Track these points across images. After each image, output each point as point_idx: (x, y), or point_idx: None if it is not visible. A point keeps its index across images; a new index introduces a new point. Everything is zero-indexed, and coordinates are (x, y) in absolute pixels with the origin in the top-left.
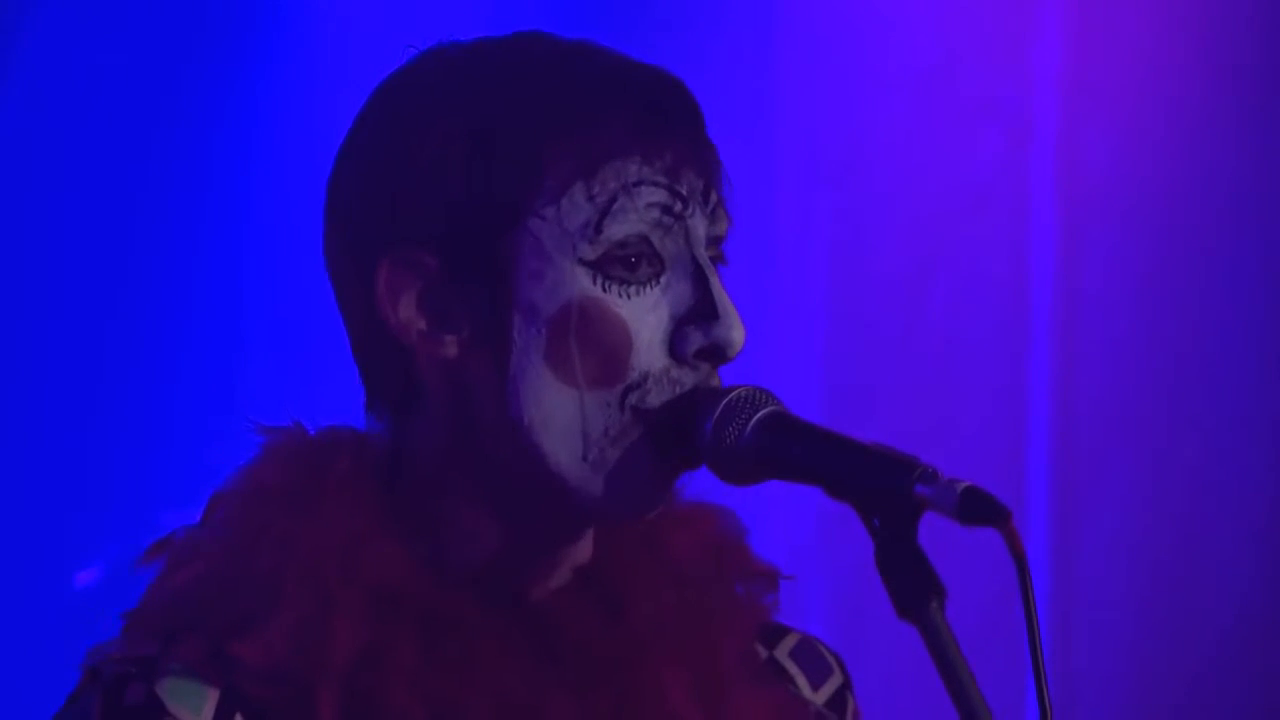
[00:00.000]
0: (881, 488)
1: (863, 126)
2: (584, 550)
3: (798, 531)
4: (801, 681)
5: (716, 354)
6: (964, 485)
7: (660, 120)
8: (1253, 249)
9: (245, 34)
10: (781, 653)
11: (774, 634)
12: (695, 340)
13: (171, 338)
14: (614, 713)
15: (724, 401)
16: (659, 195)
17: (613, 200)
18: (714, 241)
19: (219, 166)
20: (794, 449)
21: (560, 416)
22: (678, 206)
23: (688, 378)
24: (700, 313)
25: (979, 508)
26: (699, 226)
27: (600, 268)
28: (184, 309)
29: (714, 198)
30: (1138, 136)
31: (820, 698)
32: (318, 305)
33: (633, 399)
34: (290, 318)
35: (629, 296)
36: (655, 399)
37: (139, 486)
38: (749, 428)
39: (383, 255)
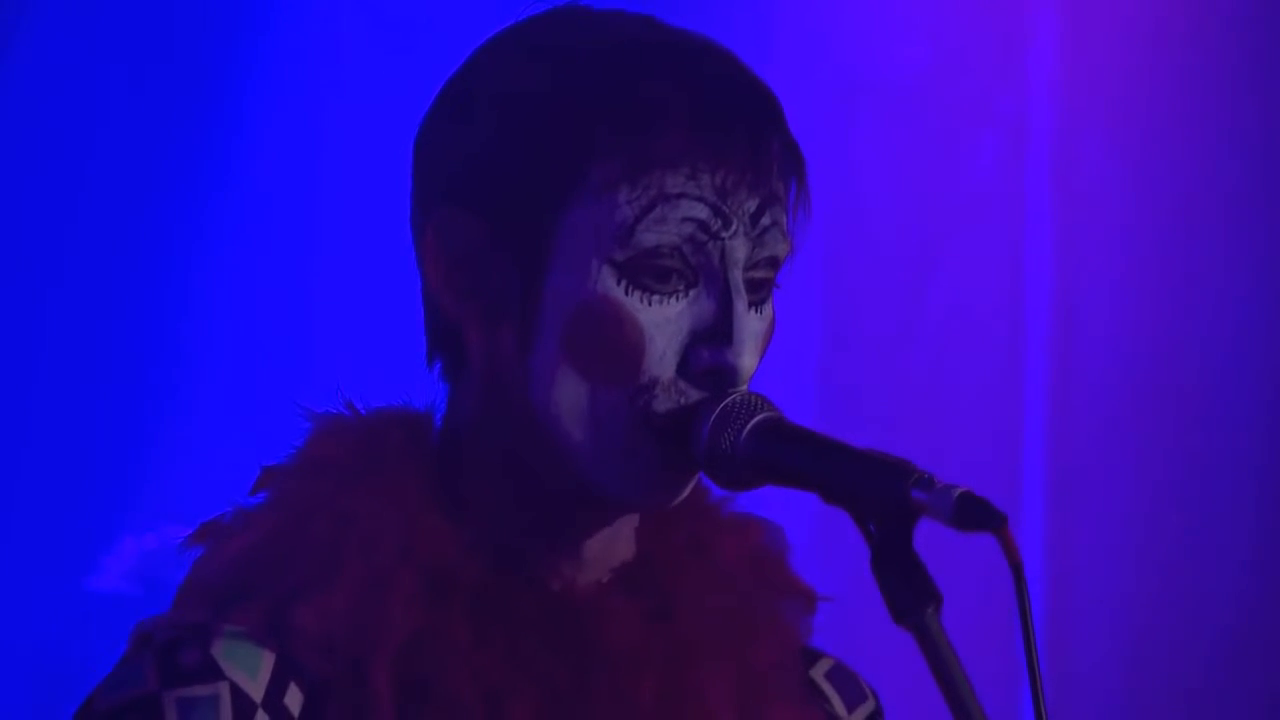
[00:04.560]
0: (877, 493)
1: (858, 131)
2: (623, 545)
3: (793, 537)
4: (836, 702)
5: (720, 378)
6: (960, 491)
7: (721, 136)
8: (1247, 252)
9: (243, 32)
10: (818, 673)
11: (810, 656)
12: (704, 360)
13: (172, 337)
14: (653, 710)
15: (720, 407)
16: (699, 211)
17: (650, 208)
18: (765, 264)
19: (218, 165)
20: (790, 455)
21: (573, 403)
22: (716, 225)
23: (693, 394)
24: (715, 333)
25: (975, 513)
26: (739, 248)
27: (628, 271)
28: (184, 309)
29: (766, 221)
30: (1133, 141)
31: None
32: (320, 304)
33: (640, 402)
34: (293, 316)
35: (650, 304)
36: (662, 405)
37: (135, 492)
38: (745, 433)
39: (434, 213)
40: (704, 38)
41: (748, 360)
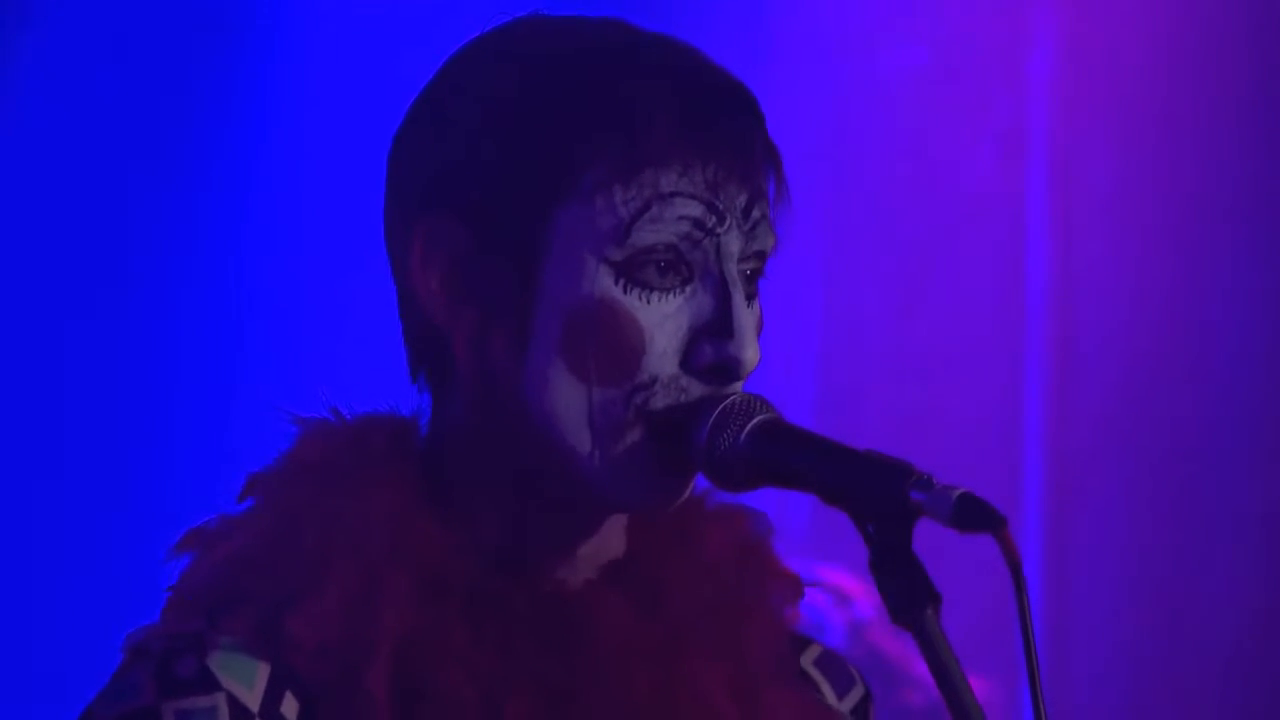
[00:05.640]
0: (876, 494)
1: (858, 135)
2: (614, 543)
3: (791, 538)
4: (826, 689)
5: (724, 371)
6: (959, 492)
7: (708, 132)
8: (1246, 256)
9: (245, 32)
10: (806, 660)
11: (798, 643)
12: (706, 354)
13: (161, 339)
14: (649, 703)
15: (719, 409)
16: (693, 209)
17: (645, 208)
18: (755, 257)
19: (208, 172)
20: (789, 456)
21: (569, 407)
22: (710, 221)
23: (695, 389)
24: (715, 328)
25: (974, 514)
26: (732, 242)
27: (625, 270)
28: (183, 308)
29: (756, 214)
30: (1132, 145)
31: (844, 706)
32: (319, 303)
33: (638, 399)
34: (292, 315)
35: (648, 301)
36: (660, 402)
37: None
38: (744, 435)
39: (420, 221)
40: (674, 38)
41: (750, 352)
